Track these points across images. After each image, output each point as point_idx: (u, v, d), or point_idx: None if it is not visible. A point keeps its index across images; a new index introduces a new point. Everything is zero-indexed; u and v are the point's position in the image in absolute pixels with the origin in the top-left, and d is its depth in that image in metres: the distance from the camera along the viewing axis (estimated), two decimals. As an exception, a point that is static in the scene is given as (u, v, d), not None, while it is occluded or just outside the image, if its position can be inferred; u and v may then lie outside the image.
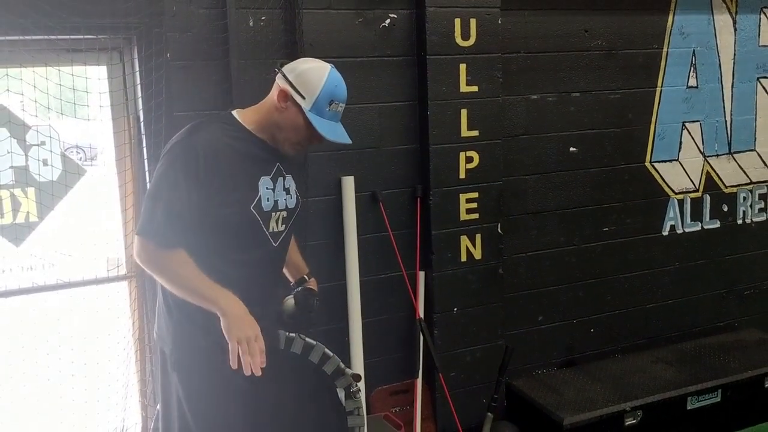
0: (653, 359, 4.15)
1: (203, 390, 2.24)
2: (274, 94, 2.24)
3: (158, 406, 2.92)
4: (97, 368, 3.08)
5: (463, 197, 3.59)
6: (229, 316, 2.07)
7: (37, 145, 2.82)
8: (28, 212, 2.80)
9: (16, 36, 2.70)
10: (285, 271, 2.52)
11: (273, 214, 2.25)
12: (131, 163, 2.98)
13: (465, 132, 3.55)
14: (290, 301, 2.46)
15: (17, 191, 2.79)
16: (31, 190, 2.80)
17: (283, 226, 2.30)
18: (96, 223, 3.19)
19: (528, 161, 3.86)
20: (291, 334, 2.58)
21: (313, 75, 2.19)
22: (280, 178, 2.28)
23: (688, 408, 3.81)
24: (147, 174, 2.96)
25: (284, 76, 2.20)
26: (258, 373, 2.08)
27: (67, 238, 2.98)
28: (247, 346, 2.06)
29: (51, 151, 2.80)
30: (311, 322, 2.48)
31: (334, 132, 2.23)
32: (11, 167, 2.76)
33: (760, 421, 4.08)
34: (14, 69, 2.72)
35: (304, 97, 2.17)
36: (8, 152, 2.75)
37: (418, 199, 3.55)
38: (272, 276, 2.38)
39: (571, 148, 3.96)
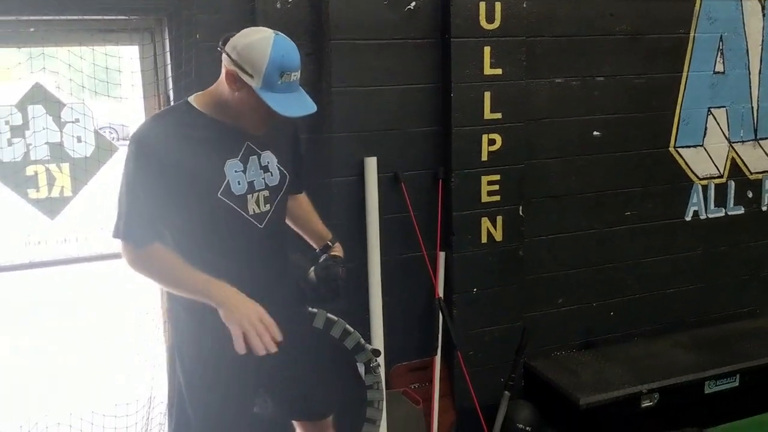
0: (672, 343, 4.17)
1: (198, 375, 2.21)
2: (223, 76, 2.08)
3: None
4: (126, 339, 3.19)
5: (484, 179, 3.63)
6: (226, 304, 2.02)
7: (72, 122, 2.93)
8: (62, 187, 2.91)
9: (52, 16, 2.80)
10: (308, 240, 2.50)
11: (249, 196, 2.14)
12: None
13: (488, 114, 3.58)
14: (311, 274, 2.39)
15: (52, 166, 2.90)
16: (65, 166, 2.91)
17: (267, 205, 2.19)
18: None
19: (551, 145, 3.88)
20: (313, 310, 2.64)
21: (255, 50, 1.99)
22: (253, 157, 2.16)
23: (706, 392, 3.83)
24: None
25: (228, 55, 2.03)
26: (273, 349, 2.02)
27: (99, 213, 3.09)
28: (252, 328, 1.99)
29: (85, 128, 2.91)
30: (337, 292, 2.39)
31: (290, 106, 2.03)
32: (47, 143, 2.87)
33: (779, 407, 4.10)
34: (50, 48, 2.82)
35: (252, 76, 1.99)
36: (44, 128, 2.87)
37: (440, 181, 3.60)
38: (271, 258, 2.28)
39: (595, 132, 3.97)
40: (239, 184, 2.11)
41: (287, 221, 2.45)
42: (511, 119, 3.63)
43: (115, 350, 3.22)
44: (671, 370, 3.82)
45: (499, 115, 3.59)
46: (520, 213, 3.74)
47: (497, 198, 3.67)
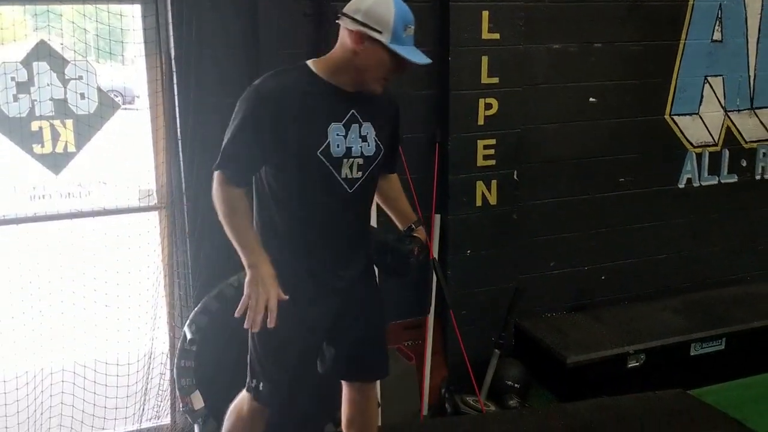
0: (661, 307, 4.27)
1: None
2: (346, 39, 2.21)
3: (184, 328, 3.17)
4: (127, 292, 3.29)
5: (480, 143, 3.70)
6: (255, 273, 2.16)
7: (75, 79, 2.98)
8: (66, 142, 2.99)
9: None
10: (395, 220, 2.62)
11: (345, 160, 2.25)
12: (162, 99, 3.14)
13: (485, 79, 3.63)
14: (386, 248, 2.47)
15: (56, 122, 2.97)
16: (69, 122, 2.98)
17: (360, 172, 2.30)
18: (129, 157, 3.39)
19: (547, 110, 3.94)
20: None
21: (381, 8, 2.15)
22: (355, 125, 2.27)
23: (692, 354, 3.95)
24: (177, 110, 3.12)
25: (352, 18, 2.17)
26: (255, 329, 2.18)
27: (102, 169, 3.17)
28: (255, 303, 2.15)
29: (88, 85, 2.97)
30: (407, 269, 2.48)
31: (417, 54, 2.22)
32: (51, 99, 2.94)
33: (765, 370, 4.19)
34: (54, 6, 2.87)
35: (380, 32, 2.15)
36: (48, 85, 2.93)
37: (437, 144, 3.66)
38: (353, 223, 2.39)
39: (591, 99, 4.02)
40: (338, 147, 2.24)
41: (378, 199, 2.60)
42: (508, 84, 3.68)
43: (117, 305, 3.31)
44: (658, 332, 3.93)
45: (496, 80, 3.65)
46: (515, 177, 3.82)
47: (492, 162, 3.74)
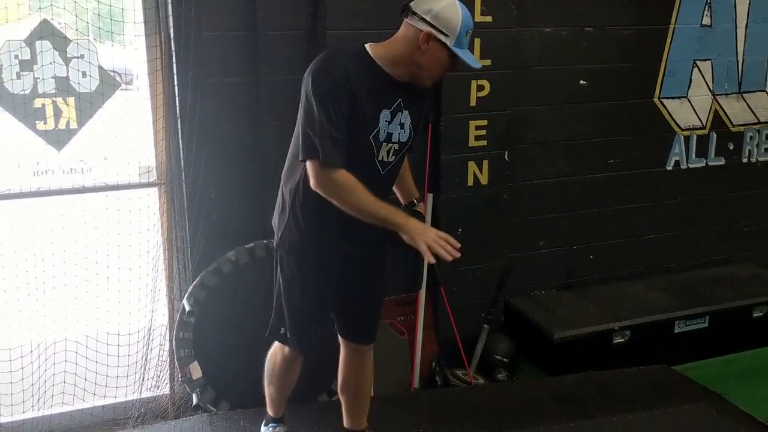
0: (648, 286, 4.39)
1: (292, 266, 2.54)
2: (412, 36, 2.32)
3: (183, 301, 3.27)
4: (128, 266, 3.39)
5: (472, 124, 3.79)
6: (409, 229, 2.28)
7: (77, 57, 3.06)
8: (68, 119, 3.07)
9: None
10: (398, 194, 2.73)
11: (385, 144, 2.41)
12: (162, 78, 3.22)
13: (478, 60, 3.70)
14: None
15: (59, 100, 3.05)
16: (71, 99, 3.06)
17: (393, 157, 2.46)
18: (129, 135, 3.48)
19: (538, 92, 4.02)
20: None
21: (450, 13, 2.29)
22: (399, 113, 2.42)
23: (676, 331, 4.07)
24: (176, 89, 3.20)
25: (422, 18, 2.29)
26: (457, 254, 2.28)
27: (103, 146, 3.26)
28: (436, 243, 2.24)
29: (90, 63, 3.05)
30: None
31: (474, 60, 2.40)
32: (53, 77, 3.01)
33: (746, 348, 4.33)
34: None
35: (447, 35, 2.28)
36: (51, 63, 3.00)
37: (430, 125, 3.75)
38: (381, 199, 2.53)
39: (582, 82, 4.11)
40: (384, 132, 2.39)
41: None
42: (500, 66, 3.76)
43: (118, 278, 3.41)
44: (644, 309, 4.05)
45: (488, 62, 3.73)
46: (506, 158, 3.91)
47: (484, 143, 3.83)
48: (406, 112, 2.44)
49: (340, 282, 2.61)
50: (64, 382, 3.39)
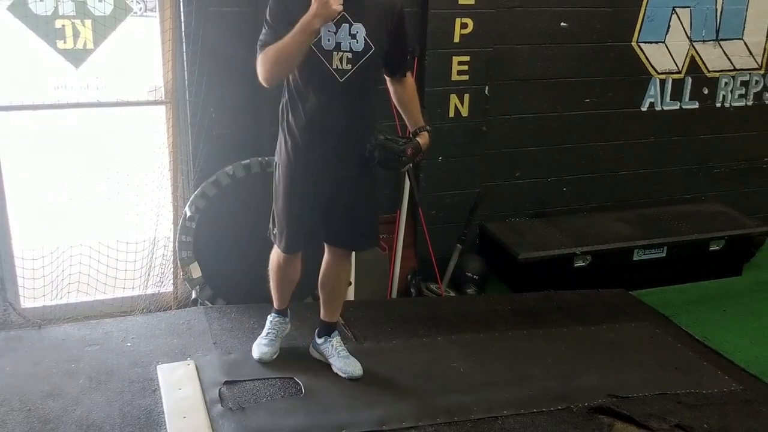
0: (616, 219, 4.73)
1: (280, 174, 2.91)
2: None
3: (185, 208, 3.67)
4: (137, 174, 3.78)
5: (455, 59, 4.09)
6: (307, 20, 2.56)
7: (94, -18, 3.39)
8: (85, 39, 3.41)
9: None
10: (407, 123, 3.04)
11: (335, 53, 2.69)
12: (170, 5, 3.55)
13: (462, 0, 3.99)
14: (380, 143, 2.86)
15: (77, 21, 3.39)
16: (88, 22, 3.39)
17: (349, 65, 2.72)
18: (140, 57, 3.84)
19: (520, 32, 4.29)
20: None
21: None
22: (345, 25, 2.68)
23: (635, 259, 4.43)
24: (182, 16, 3.53)
25: None
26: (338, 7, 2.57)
27: (116, 65, 3.61)
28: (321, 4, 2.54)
29: (105, -12, 3.39)
30: (396, 165, 2.96)
31: None
32: (72, 0, 3.35)
33: (702, 279, 4.69)
34: None
35: None
36: (69, -14, 3.34)
37: (416, 59, 4.05)
38: (348, 109, 2.80)
39: (562, 24, 4.36)
40: (329, 41, 2.69)
41: (394, 102, 3.03)
42: (483, 5, 4.04)
43: (128, 184, 3.79)
44: (606, 237, 4.41)
45: (472, 1, 4.00)
46: (486, 93, 4.22)
47: (466, 77, 4.14)
48: (358, 25, 2.70)
49: (324, 194, 2.90)
50: (79, 281, 3.79)
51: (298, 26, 2.58)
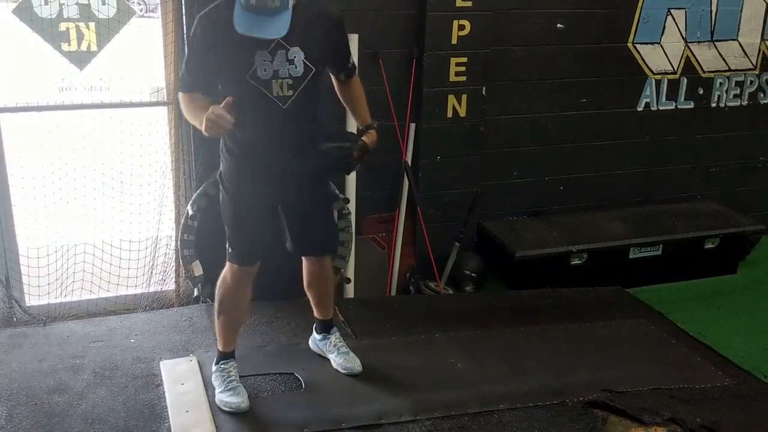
0: (611, 217, 4.79)
1: (224, 194, 2.87)
2: None
3: (187, 207, 3.74)
4: (139, 174, 3.85)
5: (453, 61, 4.15)
6: (200, 125, 2.53)
7: (98, -15, 3.46)
8: (89, 42, 3.48)
9: None
10: (355, 121, 3.01)
11: (274, 81, 2.60)
12: (172, 7, 3.61)
13: (460, 2, 4.04)
14: (325, 149, 2.78)
15: (81, 24, 3.45)
16: (92, 24, 3.46)
17: (291, 91, 2.63)
18: (143, 58, 3.90)
19: (517, 33, 4.35)
20: None
21: None
22: (281, 51, 2.59)
23: (630, 257, 4.49)
24: (184, 18, 3.60)
25: None
26: (228, 125, 2.50)
27: (120, 67, 3.68)
28: (210, 122, 2.48)
29: (109, -8, 3.46)
30: (346, 167, 2.97)
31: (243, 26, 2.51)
32: (77, 3, 3.41)
33: (697, 276, 4.75)
34: None
35: None
36: (75, -10, 3.41)
37: (414, 60, 4.12)
38: (294, 133, 2.73)
39: (559, 25, 4.43)
40: (265, 71, 2.61)
41: (342, 101, 3.00)
42: (480, 7, 4.10)
43: (131, 184, 3.86)
44: (602, 235, 4.47)
45: (469, 3, 4.06)
46: (483, 93, 4.28)
47: (463, 78, 4.20)
48: (295, 48, 2.61)
49: (279, 209, 2.89)
50: (83, 279, 3.85)
51: (197, 120, 2.58)
